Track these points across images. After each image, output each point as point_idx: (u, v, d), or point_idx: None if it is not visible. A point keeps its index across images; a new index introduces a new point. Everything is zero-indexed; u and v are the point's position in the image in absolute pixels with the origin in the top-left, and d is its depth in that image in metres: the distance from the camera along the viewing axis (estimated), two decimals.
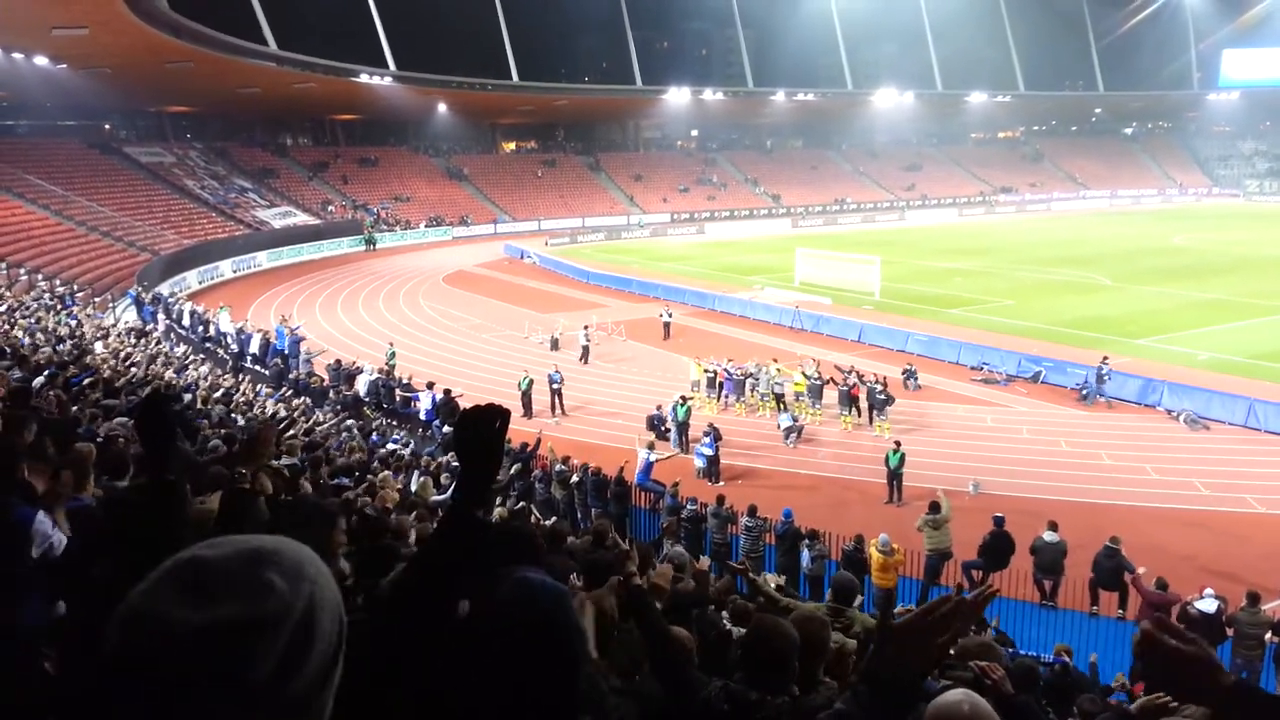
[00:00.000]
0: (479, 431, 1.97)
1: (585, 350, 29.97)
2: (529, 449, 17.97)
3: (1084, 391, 24.71)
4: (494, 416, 1.98)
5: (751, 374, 25.01)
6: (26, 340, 17.80)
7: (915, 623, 1.72)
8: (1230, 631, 11.71)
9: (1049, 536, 14.23)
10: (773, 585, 9.91)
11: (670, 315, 33.13)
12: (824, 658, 4.44)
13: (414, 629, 1.87)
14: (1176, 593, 12.30)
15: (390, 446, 17.60)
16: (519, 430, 21.19)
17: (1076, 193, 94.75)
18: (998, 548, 14.48)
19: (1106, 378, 24.49)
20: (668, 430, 21.92)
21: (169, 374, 18.80)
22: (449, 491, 13.85)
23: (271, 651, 0.97)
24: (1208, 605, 11.72)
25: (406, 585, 2.00)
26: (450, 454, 17.51)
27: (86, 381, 12.50)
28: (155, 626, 0.96)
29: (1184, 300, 37.75)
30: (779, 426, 22.13)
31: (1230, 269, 45.59)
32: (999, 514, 14.91)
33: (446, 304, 41.27)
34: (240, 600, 0.98)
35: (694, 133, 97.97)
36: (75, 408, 9.88)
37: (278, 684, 0.97)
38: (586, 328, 31.23)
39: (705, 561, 9.84)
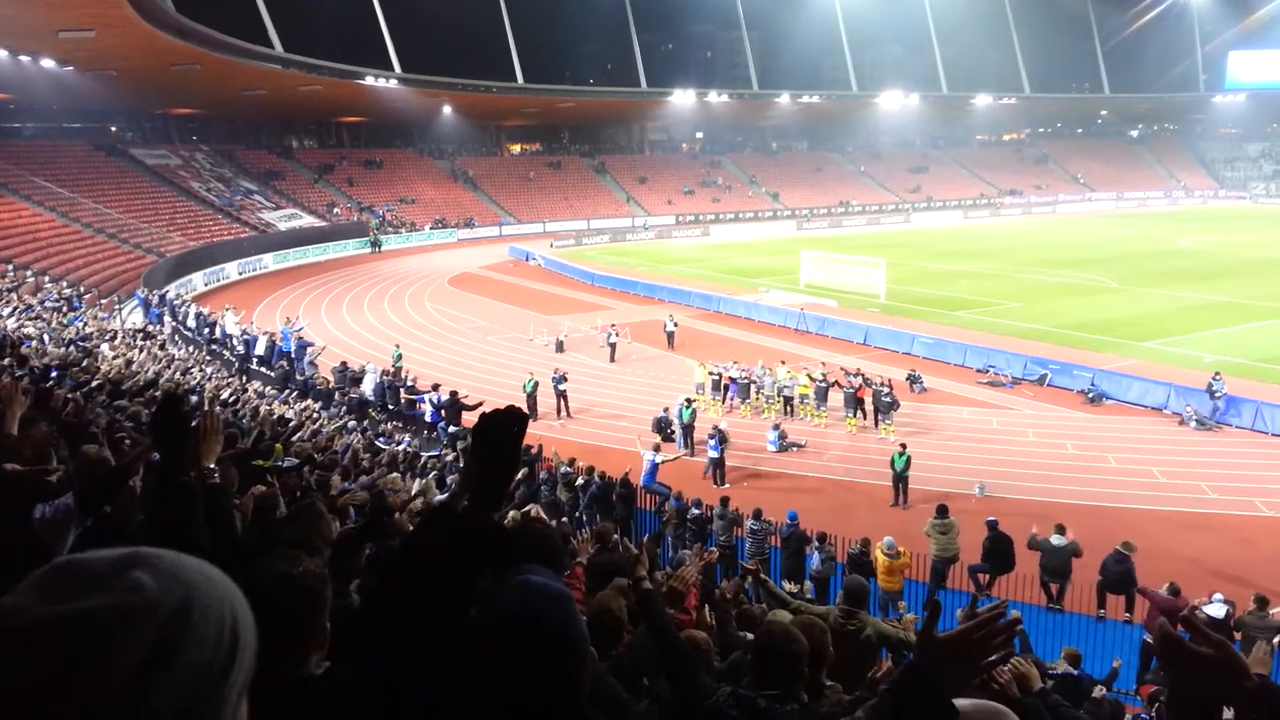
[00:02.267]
0: (498, 435, 1.97)
1: (613, 348, 30.23)
2: (533, 451, 18.00)
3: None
4: (512, 421, 1.99)
5: (756, 377, 25.00)
6: (33, 342, 17.84)
7: (963, 636, 1.62)
8: (1238, 635, 11.66)
9: (1056, 540, 14.18)
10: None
11: (675, 324, 32.40)
12: (827, 664, 4.44)
13: (412, 626, 1.87)
14: (1185, 598, 12.24)
15: (401, 447, 17.61)
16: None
17: (1082, 195, 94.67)
18: (999, 550, 14.46)
19: (1220, 395, 22.47)
20: (674, 433, 21.91)
21: (176, 375, 18.82)
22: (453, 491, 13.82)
23: (126, 650, 0.91)
24: (1216, 610, 11.66)
25: (401, 582, 2.00)
26: (454, 454, 17.53)
27: (94, 384, 12.52)
28: (13, 620, 0.92)
29: (1190, 303, 37.65)
30: (768, 445, 21.78)
31: (1237, 271, 45.46)
32: (992, 518, 14.92)
33: (452, 306, 41.31)
34: (100, 595, 0.94)
35: (699, 135, 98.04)
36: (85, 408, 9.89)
37: (137, 690, 0.91)
38: (613, 326, 31.38)
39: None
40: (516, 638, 1.63)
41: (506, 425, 1.99)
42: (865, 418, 23.26)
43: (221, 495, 3.23)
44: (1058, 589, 14.23)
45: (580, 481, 16.98)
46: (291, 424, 15.23)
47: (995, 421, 23.79)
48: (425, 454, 18.09)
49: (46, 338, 19.36)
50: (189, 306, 33.87)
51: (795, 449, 21.81)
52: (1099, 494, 18.52)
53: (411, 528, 7.67)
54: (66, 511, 3.37)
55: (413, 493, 12.83)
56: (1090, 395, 24.79)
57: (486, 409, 2.11)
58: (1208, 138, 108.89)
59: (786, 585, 11.14)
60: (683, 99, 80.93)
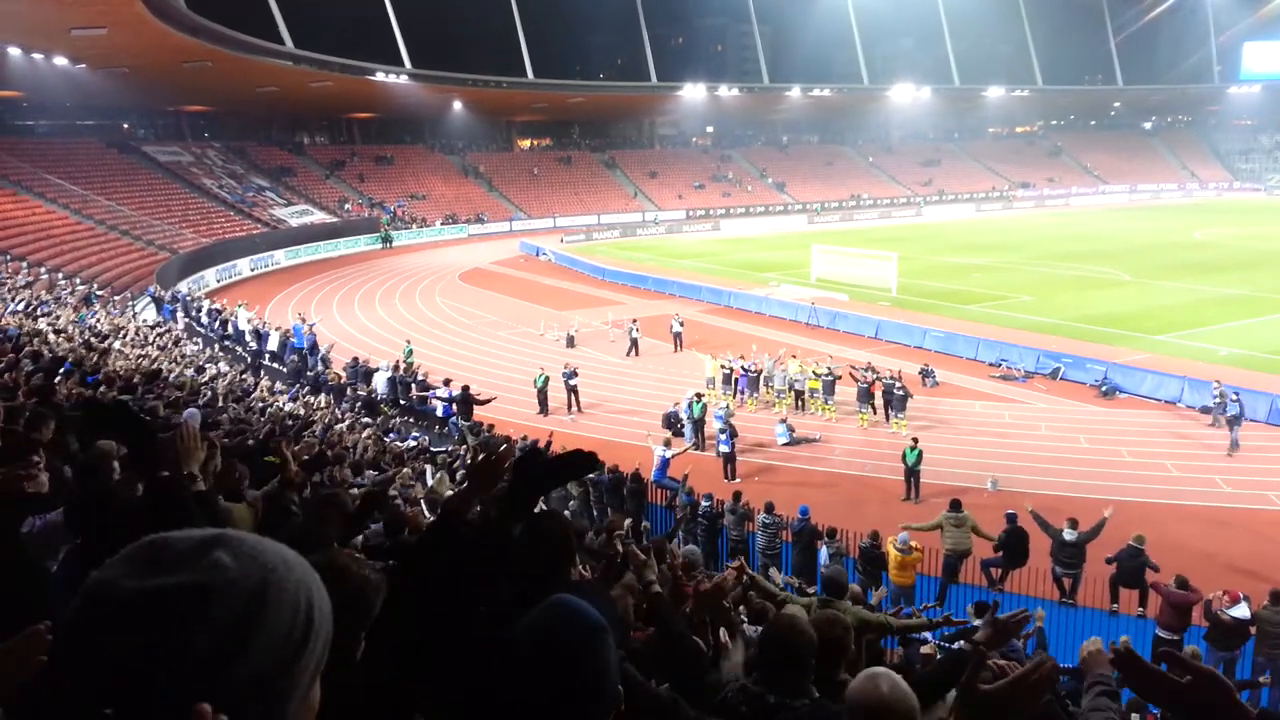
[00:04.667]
0: (557, 478, 2.03)
1: (634, 344, 30.13)
2: (541, 445, 17.98)
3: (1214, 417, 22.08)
4: (590, 466, 2.06)
5: (767, 370, 24.94)
6: (51, 337, 17.93)
7: (1007, 692, 1.59)
8: (1253, 630, 11.60)
9: (1068, 534, 14.11)
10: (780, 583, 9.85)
11: (682, 324, 31.48)
12: (844, 661, 4.40)
13: (422, 628, 1.86)
14: (1198, 591, 12.16)
15: (411, 443, 17.66)
16: (534, 428, 21.23)
17: (1095, 187, 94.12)
18: (1015, 545, 14.38)
19: (1225, 416, 21.07)
20: (683, 427, 21.89)
21: (189, 372, 18.90)
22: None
23: (207, 625, 0.97)
24: (1241, 612, 11.56)
25: (412, 583, 1.99)
26: (466, 448, 17.55)
27: (102, 374, 12.57)
28: (105, 593, 0.99)
29: (1205, 296, 37.40)
30: (777, 438, 21.75)
31: (1251, 264, 45.14)
32: (1011, 511, 14.82)
33: (463, 301, 41.36)
34: (184, 572, 1.00)
35: (709, 129, 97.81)
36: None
37: (216, 662, 0.97)
38: (634, 321, 31.28)
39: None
40: (537, 658, 1.59)
41: (584, 469, 2.06)
42: (876, 412, 23.19)
43: (209, 500, 3.22)
44: (1070, 583, 14.17)
45: (591, 477, 16.98)
46: (302, 419, 15.29)
47: (1008, 415, 23.70)
48: (436, 449, 18.15)
49: (57, 333, 19.44)
50: (201, 302, 34.01)
51: (808, 443, 21.78)
52: (1112, 488, 18.41)
53: (424, 520, 7.68)
54: (55, 528, 3.36)
55: (428, 485, 12.90)
56: (1103, 389, 24.66)
57: (549, 446, 2.14)
58: (1222, 129, 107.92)
59: (777, 578, 11.06)
60: (693, 93, 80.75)
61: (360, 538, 5.76)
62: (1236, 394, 20.95)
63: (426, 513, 9.37)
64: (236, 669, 0.98)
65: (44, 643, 1.28)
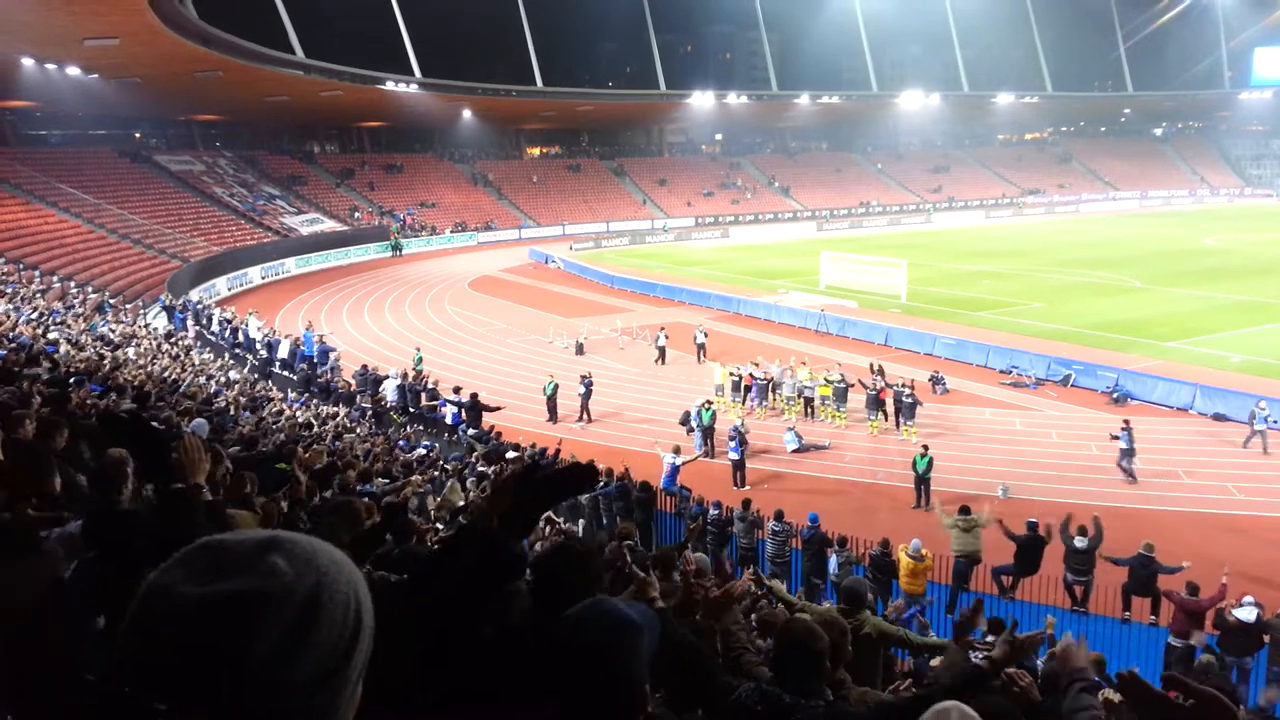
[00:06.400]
0: (561, 491, 2.02)
1: (662, 351, 30.16)
2: (549, 455, 18.00)
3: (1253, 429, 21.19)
4: (590, 480, 2.05)
5: (776, 377, 24.89)
6: (63, 347, 18.04)
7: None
8: (1266, 638, 11.52)
9: (1079, 542, 14.05)
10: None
11: (706, 335, 31.01)
12: (844, 661, 4.42)
13: (435, 635, 1.87)
14: (1211, 595, 12.07)
15: (420, 451, 17.68)
16: (542, 435, 21.25)
17: (1106, 194, 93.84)
18: (1030, 552, 14.28)
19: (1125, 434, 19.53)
20: (692, 433, 21.87)
21: (199, 380, 18.99)
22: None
23: (266, 630, 0.98)
24: (1246, 614, 11.50)
25: (424, 590, 2.01)
26: (475, 455, 17.58)
27: (111, 382, 12.63)
28: (162, 599, 1.00)
29: (1216, 302, 37.22)
30: (786, 445, 21.76)
31: (1263, 270, 44.91)
32: (1033, 519, 14.72)
33: (472, 309, 41.44)
34: (242, 578, 1.01)
35: (718, 136, 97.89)
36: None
37: (275, 667, 0.98)
38: (661, 329, 31.30)
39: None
40: (571, 652, 1.60)
41: (585, 482, 2.05)
42: (886, 419, 23.13)
43: (217, 510, 3.24)
44: (1081, 591, 14.10)
45: (601, 484, 16.97)
46: (314, 429, 15.33)
47: (1018, 423, 23.61)
48: (447, 456, 18.18)
49: (70, 343, 19.56)
50: (213, 310, 34.16)
51: (817, 450, 21.74)
52: (1123, 495, 18.35)
53: (435, 529, 7.69)
54: (71, 540, 3.38)
55: (443, 493, 12.92)
56: (1114, 396, 24.56)
57: (556, 456, 2.14)
58: (1233, 135, 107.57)
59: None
60: (702, 101, 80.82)
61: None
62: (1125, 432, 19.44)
63: (439, 521, 9.40)
64: (291, 673, 0.99)
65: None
